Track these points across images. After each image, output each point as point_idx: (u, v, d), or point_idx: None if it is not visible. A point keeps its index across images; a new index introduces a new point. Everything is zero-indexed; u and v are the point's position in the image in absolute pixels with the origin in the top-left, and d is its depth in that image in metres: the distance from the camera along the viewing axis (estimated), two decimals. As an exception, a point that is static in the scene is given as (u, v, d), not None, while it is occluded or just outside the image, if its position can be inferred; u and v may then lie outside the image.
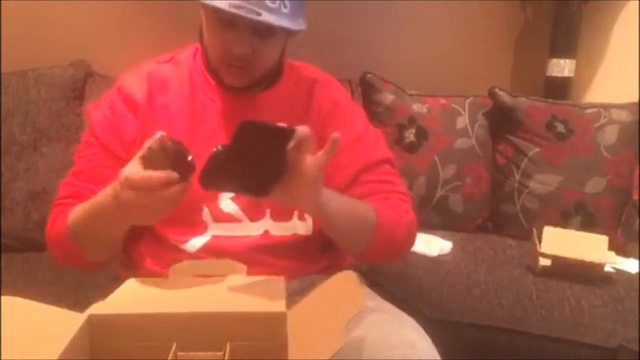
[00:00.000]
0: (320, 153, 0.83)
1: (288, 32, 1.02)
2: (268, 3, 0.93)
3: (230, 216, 1.03)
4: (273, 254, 1.03)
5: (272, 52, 1.03)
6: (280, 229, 1.04)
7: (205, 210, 1.02)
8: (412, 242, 1.11)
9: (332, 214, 0.93)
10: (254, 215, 1.03)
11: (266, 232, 1.03)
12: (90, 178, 1.03)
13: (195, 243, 1.02)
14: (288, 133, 0.79)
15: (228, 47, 0.98)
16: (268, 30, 0.96)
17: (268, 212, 1.04)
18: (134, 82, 1.07)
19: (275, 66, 1.07)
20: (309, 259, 1.07)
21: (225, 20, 0.95)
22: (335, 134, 0.82)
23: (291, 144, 0.80)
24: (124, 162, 1.01)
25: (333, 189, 1.07)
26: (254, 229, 1.03)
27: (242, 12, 0.90)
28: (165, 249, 1.02)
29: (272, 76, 1.09)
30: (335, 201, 0.94)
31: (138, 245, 1.06)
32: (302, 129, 0.81)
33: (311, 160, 0.82)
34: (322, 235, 1.05)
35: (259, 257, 1.01)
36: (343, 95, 1.16)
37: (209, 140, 1.03)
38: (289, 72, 1.12)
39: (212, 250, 1.00)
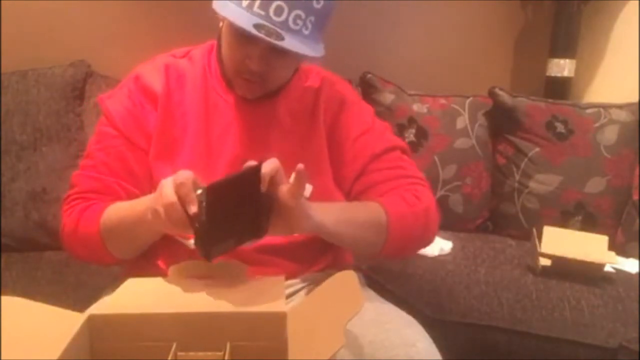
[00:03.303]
0: (292, 183, 0.81)
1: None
2: (290, 24, 0.92)
3: None
4: (277, 254, 1.02)
5: (288, 69, 1.04)
6: None
7: None
8: (433, 230, 1.07)
9: (334, 228, 0.93)
10: None
11: None
12: (114, 171, 1.02)
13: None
14: (253, 171, 0.79)
15: (246, 62, 0.97)
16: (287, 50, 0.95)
17: None
18: (152, 73, 1.06)
19: (289, 80, 1.08)
20: (312, 259, 1.06)
21: (245, 35, 0.94)
22: (300, 166, 0.80)
23: (265, 176, 0.80)
24: (146, 153, 1.01)
25: (339, 188, 1.08)
26: None
27: (263, 34, 0.89)
28: (171, 245, 1.01)
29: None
30: (334, 215, 0.94)
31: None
32: (269, 165, 0.81)
33: (287, 190, 0.82)
34: None
35: (264, 257, 1.01)
36: (350, 92, 1.16)
37: (220, 140, 1.03)
38: (297, 83, 1.11)
39: None
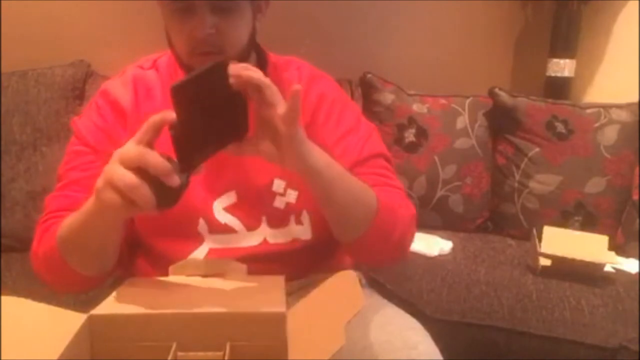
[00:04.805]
0: (287, 108, 0.78)
1: (253, 6, 0.98)
2: None
3: (226, 227, 0.99)
4: (272, 263, 0.99)
5: (238, 30, 0.97)
6: (278, 236, 1.01)
7: (201, 222, 0.99)
8: (410, 242, 1.03)
9: (327, 180, 0.87)
10: (250, 223, 1.00)
11: (264, 240, 1.00)
12: (87, 187, 0.91)
13: (193, 257, 0.98)
14: (218, 66, 0.75)
15: (190, 34, 0.93)
16: (228, 5, 0.92)
17: (264, 219, 1.01)
18: (119, 88, 1.03)
19: (247, 48, 1.00)
20: (312, 267, 1.03)
21: (181, 8, 0.92)
22: (296, 86, 0.77)
23: (231, 71, 0.76)
24: None
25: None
26: (251, 239, 1.00)
27: None
28: (162, 266, 0.96)
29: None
30: (331, 167, 0.88)
31: (134, 264, 1.02)
32: (244, 68, 0.78)
33: (281, 115, 0.79)
34: (322, 240, 1.01)
35: (258, 267, 0.96)
36: (331, 89, 1.10)
37: None
38: (273, 75, 1.05)
39: None
